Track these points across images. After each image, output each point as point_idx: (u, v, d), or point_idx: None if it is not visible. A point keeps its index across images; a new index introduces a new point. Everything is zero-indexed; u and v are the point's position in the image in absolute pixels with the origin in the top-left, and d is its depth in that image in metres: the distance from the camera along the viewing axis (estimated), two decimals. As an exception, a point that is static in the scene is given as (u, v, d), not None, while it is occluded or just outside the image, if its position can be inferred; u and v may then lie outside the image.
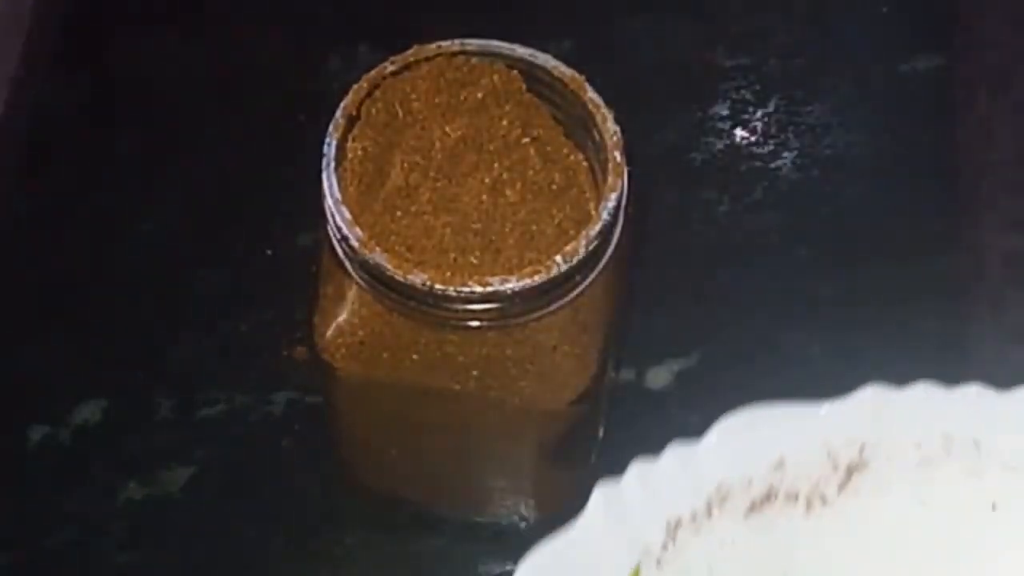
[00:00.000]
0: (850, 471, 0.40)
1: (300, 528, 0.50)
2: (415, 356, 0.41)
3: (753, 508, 0.40)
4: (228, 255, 0.55)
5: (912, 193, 0.57)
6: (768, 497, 0.40)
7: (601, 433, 0.49)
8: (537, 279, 0.39)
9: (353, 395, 0.45)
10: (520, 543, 0.50)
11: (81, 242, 0.56)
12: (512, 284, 0.39)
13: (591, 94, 0.41)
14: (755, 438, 0.40)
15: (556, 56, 0.42)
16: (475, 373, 0.41)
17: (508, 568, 0.50)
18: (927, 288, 0.55)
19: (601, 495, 0.39)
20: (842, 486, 0.40)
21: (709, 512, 0.39)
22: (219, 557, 0.50)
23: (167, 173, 0.57)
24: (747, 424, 0.40)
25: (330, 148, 0.40)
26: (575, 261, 0.39)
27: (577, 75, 0.41)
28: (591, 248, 0.39)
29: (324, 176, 0.40)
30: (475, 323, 0.39)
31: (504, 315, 0.39)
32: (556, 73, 0.41)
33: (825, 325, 0.54)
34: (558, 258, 0.39)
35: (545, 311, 0.40)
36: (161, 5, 0.61)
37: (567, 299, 0.40)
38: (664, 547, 0.39)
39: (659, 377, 0.53)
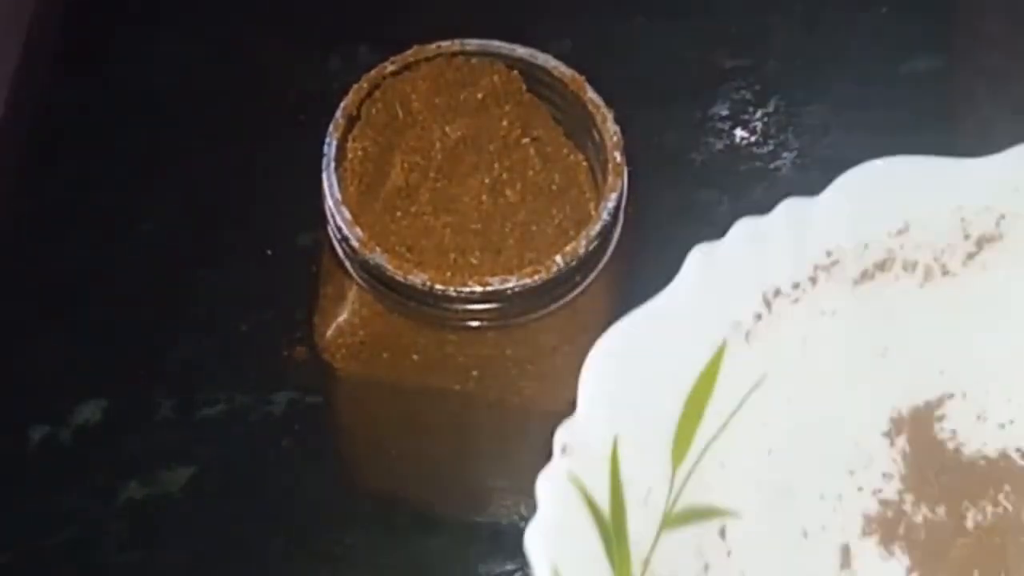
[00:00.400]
0: (981, 242, 0.37)
1: (300, 528, 0.50)
2: (415, 356, 0.41)
3: (864, 276, 0.37)
4: (228, 255, 0.55)
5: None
6: (883, 265, 0.37)
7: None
8: (537, 279, 0.39)
9: (353, 395, 0.45)
10: (520, 543, 0.50)
11: (81, 242, 0.56)
12: (512, 284, 0.39)
13: (591, 94, 0.41)
14: (878, 198, 0.36)
15: (556, 56, 0.42)
16: (475, 373, 0.41)
17: (508, 568, 0.50)
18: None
19: (698, 255, 0.36)
20: (969, 258, 0.37)
21: (814, 279, 0.37)
22: (219, 557, 0.50)
23: (167, 173, 0.57)
24: (871, 181, 0.36)
25: (330, 148, 0.40)
26: (575, 261, 0.39)
27: (577, 75, 0.41)
28: (591, 248, 0.39)
29: (324, 176, 0.40)
30: (475, 323, 0.39)
31: (504, 315, 0.39)
32: (556, 73, 0.41)
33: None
34: (558, 258, 0.39)
35: (545, 311, 0.40)
36: (161, 5, 0.61)
37: (567, 299, 0.40)
38: (757, 317, 0.36)
39: (659, 377, 0.53)
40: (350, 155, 0.40)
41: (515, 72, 0.41)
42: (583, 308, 0.41)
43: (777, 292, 0.37)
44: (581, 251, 0.39)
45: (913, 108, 0.59)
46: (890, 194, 0.37)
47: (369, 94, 0.41)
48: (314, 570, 0.50)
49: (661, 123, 0.58)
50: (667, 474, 0.36)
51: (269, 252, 0.55)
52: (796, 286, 0.37)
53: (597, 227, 0.39)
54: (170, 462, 0.51)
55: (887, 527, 0.39)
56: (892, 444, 0.39)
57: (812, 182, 0.57)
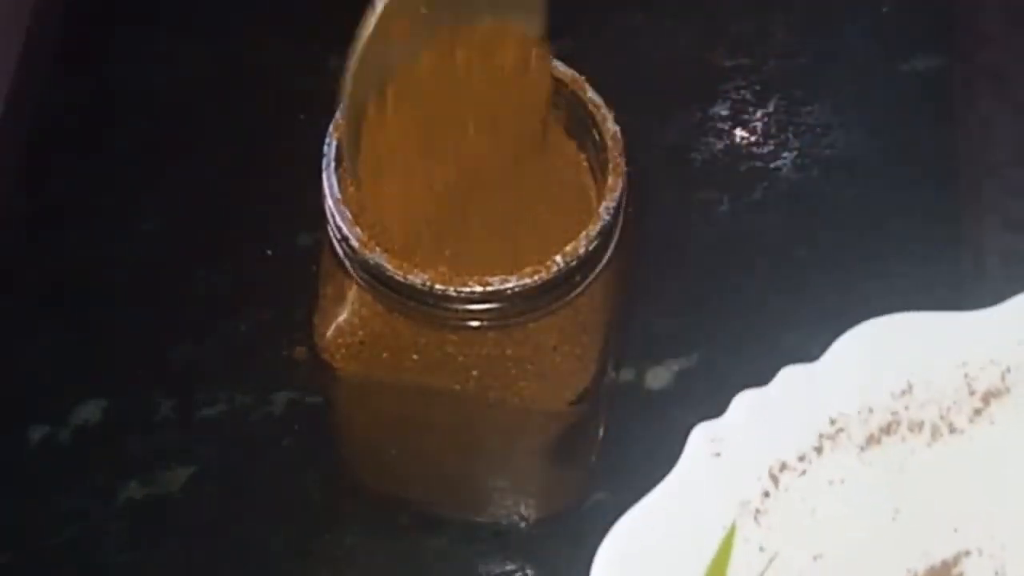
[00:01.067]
0: (987, 397, 0.36)
1: (300, 528, 0.50)
2: (415, 356, 0.41)
3: (870, 441, 0.36)
4: (228, 255, 0.55)
5: (912, 193, 0.57)
6: (889, 428, 0.36)
7: (601, 433, 0.49)
8: (537, 279, 0.39)
9: (353, 395, 0.45)
10: (520, 543, 0.50)
11: (81, 242, 0.56)
12: (512, 284, 0.38)
13: (591, 94, 0.41)
14: (879, 361, 0.36)
15: (556, 56, 0.42)
16: (475, 373, 0.41)
17: (508, 568, 0.50)
18: (927, 288, 0.55)
19: (701, 437, 0.36)
20: (976, 413, 0.36)
21: (820, 450, 0.36)
22: (219, 557, 0.50)
23: (167, 173, 0.57)
24: (870, 343, 0.35)
25: (330, 148, 0.40)
26: (575, 261, 0.39)
27: (577, 75, 0.41)
28: (591, 248, 0.39)
29: (324, 176, 0.40)
30: (475, 323, 0.39)
31: (504, 315, 0.39)
32: (556, 73, 0.41)
33: (825, 325, 0.54)
34: (558, 258, 0.39)
35: (545, 311, 0.40)
36: (161, 5, 0.61)
37: (567, 299, 0.40)
38: (765, 495, 0.36)
39: (659, 377, 0.53)
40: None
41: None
42: (583, 308, 0.41)
43: (783, 467, 0.36)
44: (581, 251, 0.39)
45: (913, 108, 0.59)
46: (891, 355, 0.36)
47: (369, 94, 0.41)
48: (314, 570, 0.50)
49: (661, 123, 0.58)
50: None
51: (269, 252, 0.55)
52: (802, 459, 0.36)
53: (597, 227, 0.39)
54: (170, 462, 0.51)
55: None
56: None
57: (812, 182, 0.57)
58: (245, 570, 0.50)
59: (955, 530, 0.37)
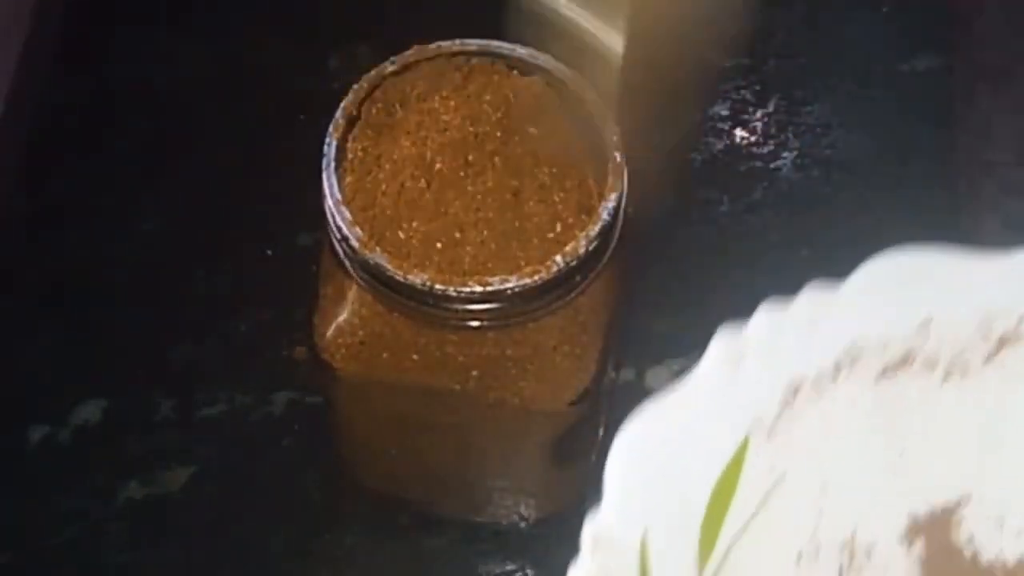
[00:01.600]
0: (1001, 342, 0.36)
1: (300, 528, 0.50)
2: (415, 356, 0.41)
3: (885, 372, 0.36)
4: (228, 255, 0.55)
5: (912, 193, 0.57)
6: (904, 361, 0.36)
7: (601, 433, 0.49)
8: (537, 279, 0.39)
9: (353, 395, 0.45)
10: (520, 543, 0.50)
11: (81, 242, 0.56)
12: (512, 284, 0.39)
13: (591, 94, 0.41)
14: (902, 291, 0.35)
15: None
16: (475, 373, 0.41)
17: (508, 568, 0.50)
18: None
19: (721, 347, 0.35)
20: (989, 358, 0.36)
21: (836, 375, 0.36)
22: (219, 557, 0.50)
23: (167, 173, 0.57)
24: (895, 273, 0.35)
25: (330, 148, 0.40)
26: (575, 261, 0.39)
27: (577, 75, 0.41)
28: (591, 248, 0.39)
29: (324, 176, 0.40)
30: (475, 323, 0.39)
31: (504, 315, 0.39)
32: (556, 73, 0.41)
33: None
34: (558, 258, 0.39)
35: (545, 311, 0.40)
36: (161, 5, 0.61)
37: (567, 299, 0.40)
38: (779, 415, 0.35)
39: (659, 377, 0.53)
40: (350, 155, 0.40)
41: (515, 71, 0.41)
42: (583, 308, 0.41)
43: (799, 387, 0.36)
44: (581, 251, 0.39)
45: (913, 108, 0.59)
46: (914, 286, 0.36)
47: (369, 94, 0.41)
48: (314, 570, 0.50)
49: (661, 123, 0.58)
50: (694, 571, 0.35)
51: (269, 252, 0.55)
52: (818, 381, 0.36)
53: (597, 227, 0.39)
54: (170, 462, 0.51)
55: None
56: (909, 550, 0.38)
57: (812, 182, 0.57)
58: (245, 570, 0.50)
59: (960, 474, 0.37)
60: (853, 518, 0.37)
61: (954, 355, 0.36)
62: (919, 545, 0.38)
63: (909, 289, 0.36)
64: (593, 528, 0.34)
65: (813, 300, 0.36)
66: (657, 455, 0.35)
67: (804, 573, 0.37)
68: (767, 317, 0.36)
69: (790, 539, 0.37)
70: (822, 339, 0.36)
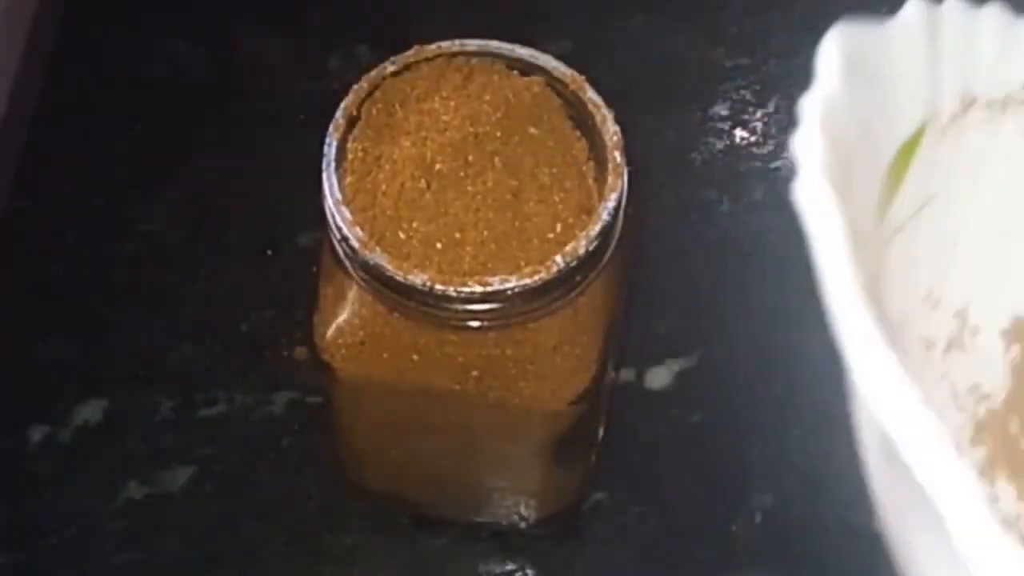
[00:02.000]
0: None
1: (300, 528, 0.50)
2: (415, 356, 0.41)
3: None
4: (228, 255, 0.55)
5: (912, 193, 0.57)
6: None
7: (601, 433, 0.49)
8: (537, 279, 0.39)
9: (353, 395, 0.45)
10: (520, 543, 0.50)
11: (81, 242, 0.56)
12: (512, 284, 0.39)
13: (591, 94, 0.41)
14: None
15: (556, 56, 0.42)
16: (475, 373, 0.41)
17: (508, 568, 0.50)
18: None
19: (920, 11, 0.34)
20: None
21: (1005, 105, 0.35)
22: (219, 557, 0.50)
23: (167, 173, 0.57)
24: None
25: (330, 148, 0.40)
26: (575, 261, 0.39)
27: (577, 75, 0.41)
28: (591, 248, 0.39)
29: (324, 176, 0.40)
30: (475, 323, 0.39)
31: (504, 315, 0.39)
32: (556, 73, 0.41)
33: (825, 325, 0.54)
34: (558, 258, 0.39)
35: (545, 311, 0.40)
36: (161, 5, 0.61)
37: (567, 299, 0.40)
38: (952, 119, 0.34)
39: (659, 377, 0.53)
40: (350, 155, 0.40)
41: (516, 72, 0.41)
42: (583, 308, 0.41)
43: (974, 100, 0.35)
44: (581, 251, 0.39)
45: (913, 108, 0.59)
46: None
47: (369, 94, 0.41)
48: (314, 570, 0.50)
49: (661, 123, 0.58)
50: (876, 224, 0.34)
51: (269, 252, 0.55)
52: (990, 105, 0.35)
53: (597, 227, 0.39)
54: (170, 462, 0.51)
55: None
56: (1007, 351, 0.37)
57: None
58: (245, 570, 0.50)
59: None
60: (971, 288, 0.36)
61: None
62: (1015, 350, 0.37)
63: None
64: (821, 104, 0.33)
65: (1009, 23, 0.34)
66: (863, 73, 0.34)
67: (927, 317, 0.36)
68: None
69: (923, 272, 0.36)
70: (1004, 62, 0.35)
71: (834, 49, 0.32)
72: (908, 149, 0.34)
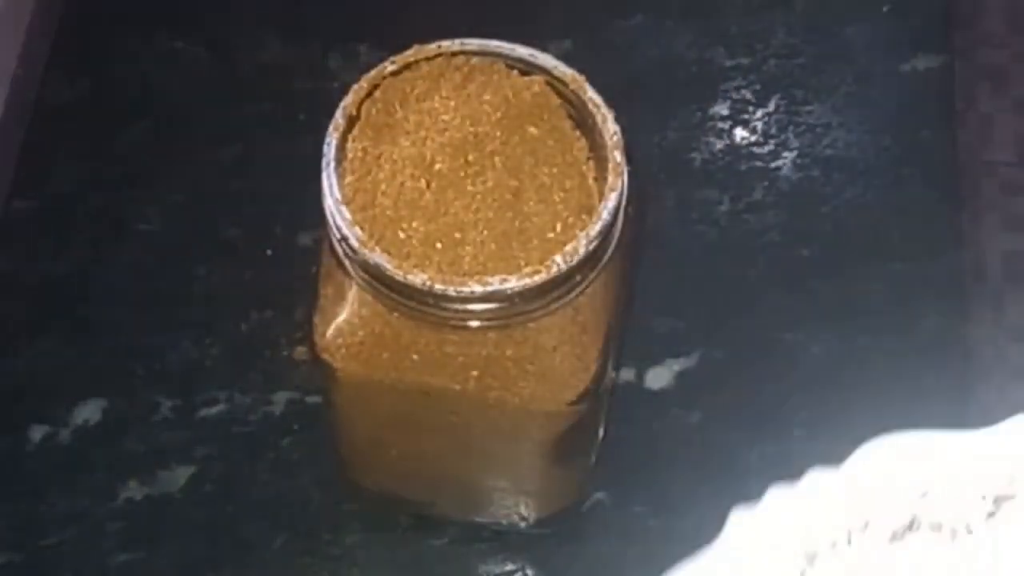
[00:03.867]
0: (998, 502, 0.39)
1: (300, 528, 0.50)
2: (415, 356, 0.41)
3: (895, 537, 0.38)
4: (228, 255, 0.55)
5: (912, 193, 0.57)
6: (911, 526, 0.38)
7: (601, 433, 0.49)
8: (537, 279, 0.39)
9: (353, 395, 0.45)
10: (520, 543, 0.50)
11: (81, 242, 0.56)
12: (512, 284, 0.38)
13: (591, 94, 0.41)
14: (898, 468, 0.38)
15: (556, 56, 0.42)
16: (475, 373, 0.41)
17: (508, 568, 0.50)
18: (927, 288, 0.55)
19: (736, 523, 0.38)
20: (990, 516, 0.39)
21: (849, 540, 0.38)
22: (219, 557, 0.50)
23: (167, 173, 0.57)
24: (887, 457, 0.38)
25: (330, 148, 0.40)
26: (575, 261, 0.39)
27: (577, 75, 0.41)
28: (591, 248, 0.39)
29: (324, 176, 0.40)
30: (475, 323, 0.39)
31: (504, 315, 0.39)
32: (556, 73, 0.41)
33: (825, 325, 0.54)
34: (558, 258, 0.39)
35: (545, 311, 0.40)
36: (161, 5, 0.61)
37: (567, 299, 0.40)
38: None
39: (659, 377, 0.53)
40: (350, 155, 0.40)
41: (515, 72, 0.41)
42: (583, 308, 0.41)
43: (815, 555, 0.38)
44: (581, 251, 0.39)
45: (913, 108, 0.59)
46: (907, 466, 0.38)
47: (369, 94, 0.41)
48: (314, 570, 0.50)
49: (661, 123, 0.58)
50: None
51: (269, 252, 0.55)
52: (834, 546, 0.38)
53: (597, 227, 0.39)
54: (170, 462, 0.51)
55: None
56: None
57: (812, 182, 0.57)
58: (245, 570, 0.50)
59: None
60: None
61: (956, 517, 0.38)
62: None
63: (903, 469, 0.38)
64: None
65: (815, 485, 0.38)
66: None
67: None
68: (774, 499, 0.38)
69: None
70: (831, 513, 0.38)
71: None
72: None
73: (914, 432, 0.38)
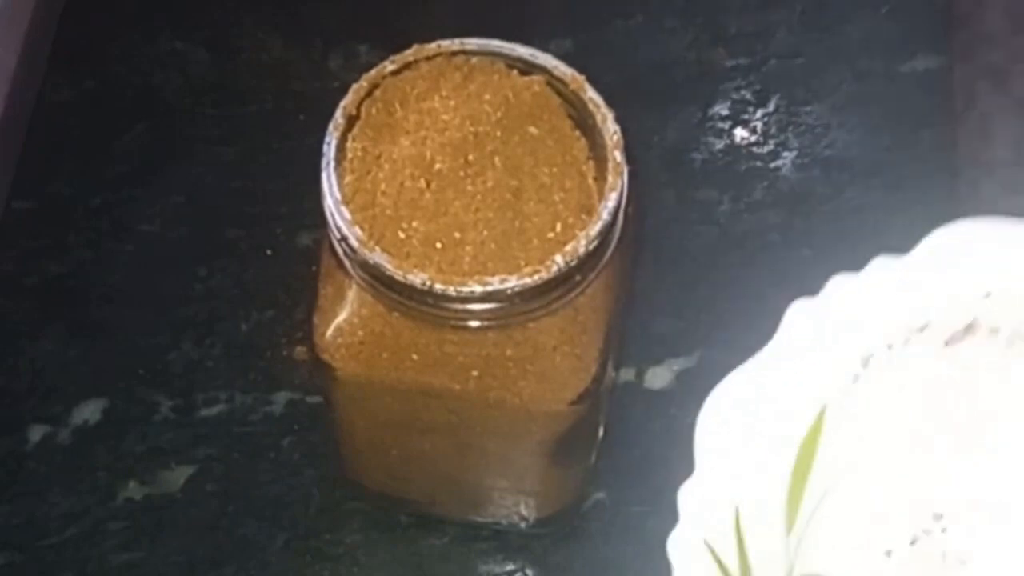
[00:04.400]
0: None
1: (300, 528, 0.50)
2: (415, 356, 0.41)
3: (951, 340, 0.37)
4: (228, 255, 0.55)
5: (912, 193, 0.57)
6: (969, 329, 0.37)
7: (601, 433, 0.49)
8: (537, 279, 0.39)
9: (353, 395, 0.45)
10: (520, 543, 0.50)
11: (81, 242, 0.56)
12: (512, 284, 0.38)
13: (591, 94, 0.41)
14: (965, 262, 0.36)
15: (556, 56, 0.42)
16: (475, 373, 0.41)
17: (508, 568, 0.50)
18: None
19: (797, 315, 0.37)
20: None
21: (906, 341, 0.37)
22: (219, 557, 0.50)
23: (167, 173, 0.57)
24: (958, 242, 0.36)
25: (330, 148, 0.40)
26: (575, 261, 0.39)
27: (577, 75, 0.41)
28: (591, 248, 0.39)
29: (324, 176, 0.40)
30: (475, 323, 0.39)
31: (504, 315, 0.39)
32: (556, 73, 0.41)
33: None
34: (558, 258, 0.39)
35: (545, 311, 0.40)
36: (161, 5, 0.61)
37: (567, 299, 0.40)
38: (854, 380, 0.37)
39: (659, 377, 0.53)
40: (350, 155, 0.40)
41: (515, 71, 0.41)
42: (583, 308, 0.41)
43: (871, 356, 0.37)
44: (581, 251, 0.39)
45: (913, 108, 0.59)
46: (973, 261, 0.37)
47: (369, 94, 0.41)
48: (314, 570, 0.50)
49: (661, 123, 0.58)
50: (783, 541, 0.36)
51: (269, 252, 0.55)
52: (890, 347, 0.37)
53: (597, 227, 0.39)
54: (170, 462, 0.51)
55: None
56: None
57: (812, 182, 0.57)
58: (245, 570, 0.50)
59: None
60: (925, 488, 0.38)
61: (1016, 323, 0.37)
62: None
63: (970, 260, 0.37)
64: (691, 497, 0.36)
65: (881, 272, 0.37)
66: (742, 423, 0.36)
67: (879, 534, 0.38)
68: (838, 289, 0.37)
69: (867, 502, 0.38)
70: (892, 309, 0.37)
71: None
72: (814, 431, 0.37)
73: (987, 220, 0.37)
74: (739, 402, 0.37)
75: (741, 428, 0.37)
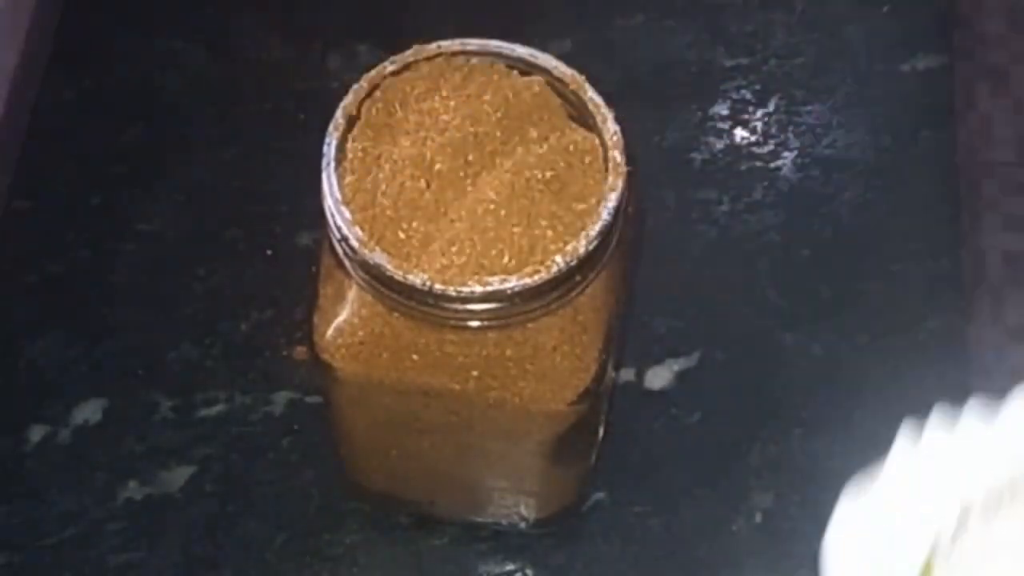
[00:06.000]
0: None
1: (300, 528, 0.50)
2: (415, 356, 0.41)
3: None
4: (228, 255, 0.55)
5: (912, 193, 0.57)
6: None
7: (601, 433, 0.49)
8: (537, 279, 0.39)
9: (353, 395, 0.45)
10: (520, 543, 0.50)
11: (81, 242, 0.56)
12: (512, 284, 0.38)
13: (591, 94, 0.41)
14: None
15: (556, 56, 0.42)
16: (475, 373, 0.41)
17: (508, 568, 0.50)
18: (927, 288, 0.55)
19: (898, 459, 0.37)
20: None
21: (999, 502, 0.38)
22: (219, 557, 0.50)
23: (167, 173, 0.57)
24: None
25: (330, 148, 0.40)
26: (575, 261, 0.39)
27: (577, 75, 0.41)
28: (591, 248, 0.39)
29: (324, 176, 0.40)
30: (475, 323, 0.39)
31: (504, 315, 0.39)
32: (556, 73, 0.41)
33: (825, 325, 0.54)
34: (558, 258, 0.39)
35: (545, 311, 0.40)
36: (161, 5, 0.61)
37: (567, 299, 0.40)
38: (955, 536, 0.37)
39: (659, 377, 0.53)
40: (350, 155, 0.40)
41: (515, 72, 0.41)
42: (583, 308, 0.41)
43: (969, 509, 0.38)
44: (581, 251, 0.39)
45: (913, 108, 0.59)
46: None
47: (369, 94, 0.41)
48: (313, 570, 0.50)
49: (661, 123, 0.58)
50: None
51: (269, 252, 0.55)
52: (985, 506, 0.38)
53: (597, 227, 0.39)
54: (170, 462, 0.51)
55: None
56: None
57: (812, 182, 0.57)
58: (245, 570, 0.50)
59: None
60: None
61: None
62: None
63: None
64: None
65: (977, 418, 0.38)
66: (862, 551, 0.37)
67: None
68: (939, 436, 0.38)
69: None
70: (990, 462, 0.38)
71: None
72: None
73: None
74: (861, 528, 0.38)
75: (861, 552, 0.38)
